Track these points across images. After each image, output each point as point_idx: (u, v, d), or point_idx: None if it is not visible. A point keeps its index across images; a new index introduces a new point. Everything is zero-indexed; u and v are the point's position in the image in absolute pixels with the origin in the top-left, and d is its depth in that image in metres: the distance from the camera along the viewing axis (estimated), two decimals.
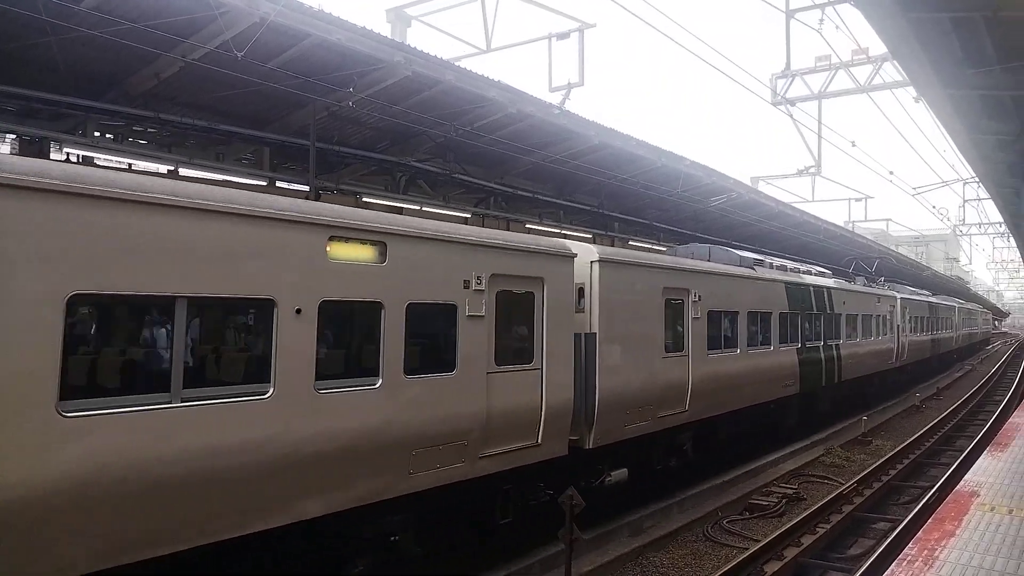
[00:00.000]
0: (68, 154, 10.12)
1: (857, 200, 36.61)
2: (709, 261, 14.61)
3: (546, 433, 8.72)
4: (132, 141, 11.16)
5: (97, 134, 10.42)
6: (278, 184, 12.48)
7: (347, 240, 6.55)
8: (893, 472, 14.89)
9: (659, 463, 11.72)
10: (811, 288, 18.02)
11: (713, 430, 13.26)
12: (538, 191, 17.39)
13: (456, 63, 12.30)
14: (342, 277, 6.46)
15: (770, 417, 16.01)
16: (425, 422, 7.15)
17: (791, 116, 17.33)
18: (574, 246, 9.87)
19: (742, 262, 15.25)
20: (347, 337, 6.87)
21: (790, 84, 16.79)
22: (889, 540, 10.00)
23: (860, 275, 26.90)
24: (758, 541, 10.15)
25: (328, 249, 6.36)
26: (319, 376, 6.22)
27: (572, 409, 9.20)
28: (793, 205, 26.62)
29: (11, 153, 9.66)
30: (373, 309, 6.77)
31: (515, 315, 8.60)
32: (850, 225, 38.69)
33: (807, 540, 10.37)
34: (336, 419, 6.33)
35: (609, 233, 20.32)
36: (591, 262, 9.93)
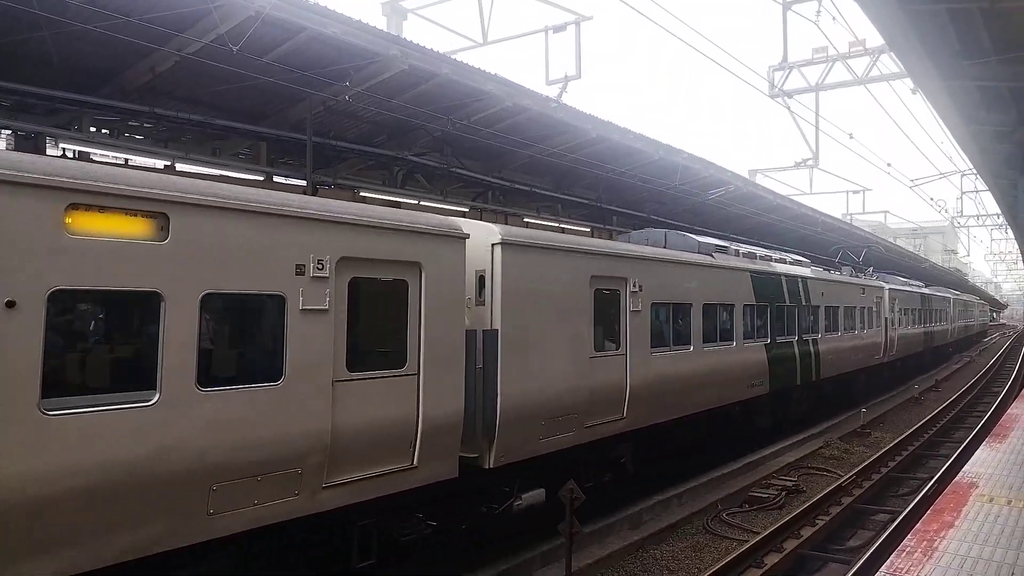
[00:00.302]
0: (64, 149, 10.08)
1: (855, 192, 36.56)
2: (666, 248, 13.13)
3: (425, 453, 7.13)
4: (128, 136, 11.12)
5: (93, 129, 10.37)
6: (275, 179, 12.45)
7: (100, 210, 5.00)
8: (892, 464, 14.93)
9: (590, 480, 10.04)
10: (783, 277, 16.55)
11: (663, 438, 11.78)
12: (536, 185, 17.36)
13: (452, 56, 12.25)
14: (90, 259, 4.91)
15: (735, 421, 14.49)
16: (232, 447, 5.58)
17: (788, 108, 17.29)
18: (469, 225, 8.42)
19: (700, 248, 13.72)
20: (103, 338, 5.23)
21: (787, 76, 16.76)
22: (888, 531, 10.03)
23: (847, 265, 26.11)
24: (758, 533, 10.17)
25: (67, 220, 4.81)
26: (52, 392, 4.68)
27: (463, 422, 7.61)
28: (791, 197, 26.60)
29: (7, 148, 9.62)
30: (147, 301, 5.22)
31: (379, 309, 7.03)
32: (848, 218, 38.65)
33: (807, 532, 10.39)
34: (79, 450, 4.77)
35: (607, 227, 20.30)
36: (492, 245, 8.33)
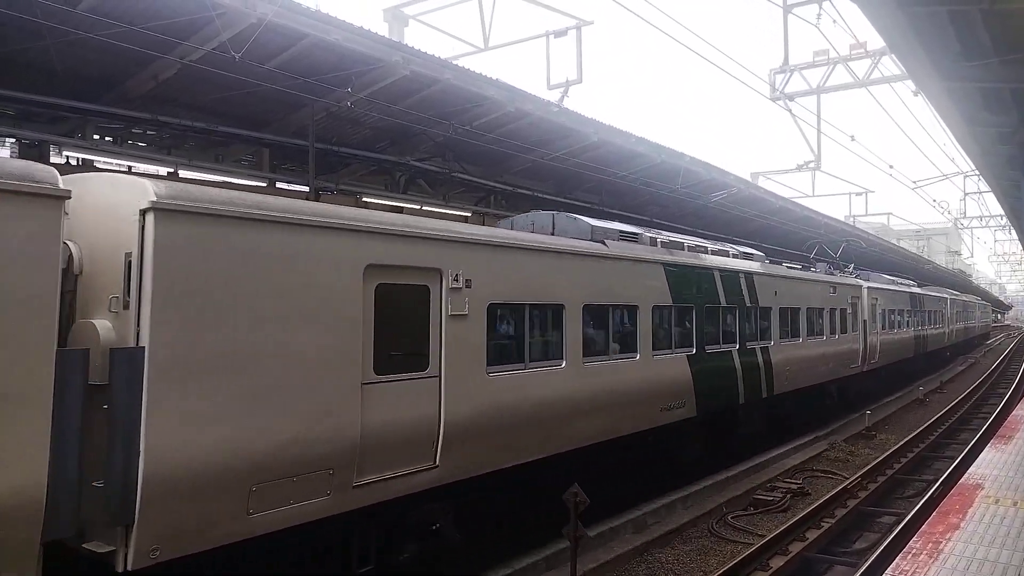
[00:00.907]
0: (68, 157, 10.13)
1: (858, 194, 36.53)
2: (554, 234, 10.59)
3: None
4: (131, 143, 11.16)
5: (96, 137, 10.42)
6: (278, 185, 12.49)
7: None
8: (897, 466, 14.89)
9: (373, 562, 7.14)
10: (716, 272, 13.35)
11: (514, 487, 8.70)
12: (538, 189, 17.38)
13: (454, 62, 12.29)
14: None
15: (641, 455, 11.30)
16: None
17: (790, 111, 17.31)
18: (91, 179, 5.90)
19: (594, 234, 10.71)
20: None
21: (788, 79, 16.76)
22: (894, 534, 10.00)
23: (824, 261, 23.90)
24: (763, 536, 10.15)
25: None
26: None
27: (46, 499, 4.74)
28: (793, 200, 26.59)
29: (11, 156, 9.66)
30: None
31: None
32: (851, 220, 38.65)
33: (812, 535, 10.37)
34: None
35: (489, 210, 20.14)
36: (141, 212, 5.35)
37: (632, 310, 10.88)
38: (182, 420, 5.43)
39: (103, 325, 5.41)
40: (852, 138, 19.76)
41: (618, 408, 10.35)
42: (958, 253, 76.59)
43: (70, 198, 5.01)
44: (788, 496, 12.47)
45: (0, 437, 4.56)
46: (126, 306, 5.38)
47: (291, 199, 6.75)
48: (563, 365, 9.34)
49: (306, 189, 12.13)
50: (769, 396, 15.27)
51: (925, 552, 6.77)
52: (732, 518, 11.43)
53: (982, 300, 67.29)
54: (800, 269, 21.39)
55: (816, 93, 17.09)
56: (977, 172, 20.66)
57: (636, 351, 10.83)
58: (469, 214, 15.59)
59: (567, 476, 8.25)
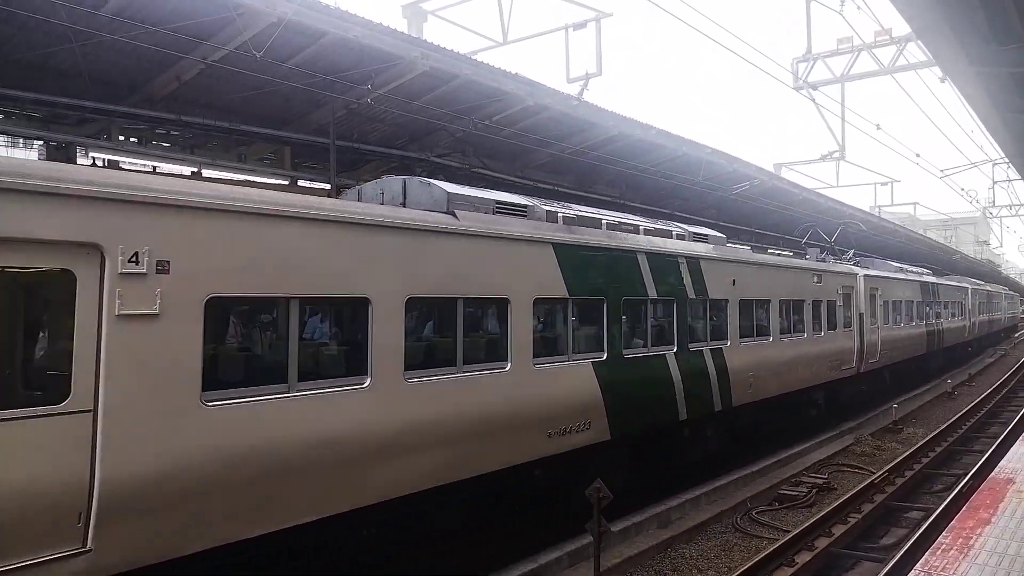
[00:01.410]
0: (94, 158, 10.28)
1: (883, 184, 36.04)
2: (405, 206, 8.30)
3: None
4: (156, 144, 11.30)
5: (121, 138, 10.56)
6: (300, 183, 12.57)
7: None
8: (925, 460, 14.68)
9: None
10: (644, 256, 10.64)
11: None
12: (558, 183, 17.33)
13: (473, 57, 12.27)
14: None
15: (524, 492, 8.90)
16: None
17: (813, 100, 17.10)
18: None
19: (450, 204, 8.15)
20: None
21: (811, 68, 16.56)
22: (923, 529, 9.86)
23: (817, 245, 22.02)
24: (788, 532, 10.07)
25: None
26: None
27: None
28: (817, 191, 26.28)
29: (39, 158, 9.83)
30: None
31: None
32: (876, 210, 38.12)
33: (838, 530, 10.26)
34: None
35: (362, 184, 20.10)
36: None
37: (501, 304, 8.41)
38: None
39: None
40: (877, 127, 19.48)
41: (473, 438, 7.80)
42: (986, 243, 75.18)
43: None
44: (813, 491, 12.35)
45: None
46: None
47: None
48: (367, 384, 6.75)
49: (327, 186, 12.20)
50: (727, 409, 12.57)
51: (955, 548, 6.67)
52: (756, 513, 11.35)
53: (1009, 291, 65.14)
54: (787, 256, 20.23)
55: (840, 81, 16.87)
56: (1007, 160, 20.26)
57: (506, 359, 8.33)
58: None
59: (380, 537, 7.01)
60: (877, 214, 36.29)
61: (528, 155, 15.88)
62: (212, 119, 10.85)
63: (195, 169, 11.10)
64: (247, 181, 11.50)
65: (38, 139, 9.83)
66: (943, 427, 17.67)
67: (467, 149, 14.58)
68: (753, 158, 21.70)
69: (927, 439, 16.25)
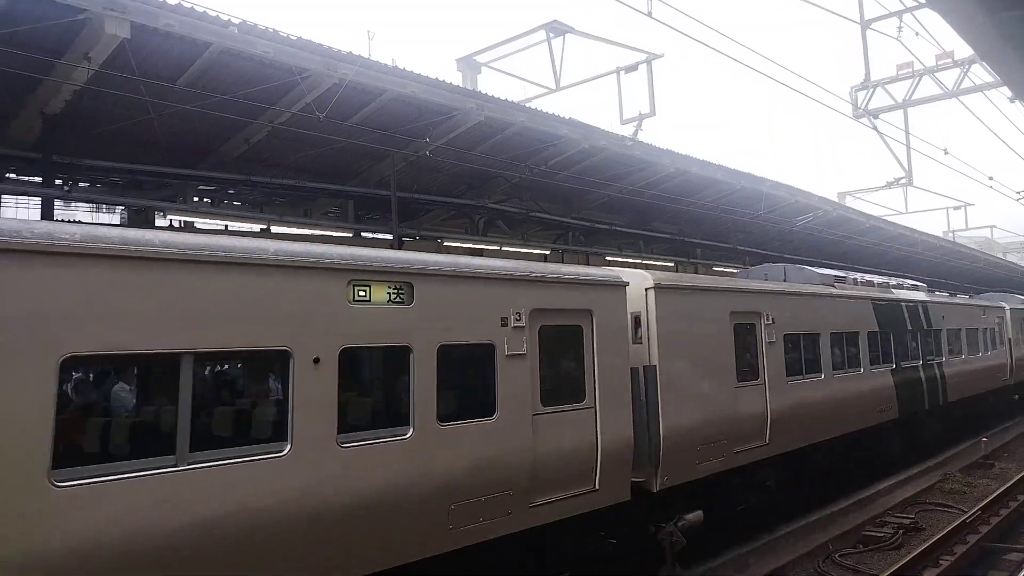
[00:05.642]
0: (171, 220, 10.83)
1: (955, 209, 34.76)
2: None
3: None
4: (227, 203, 11.83)
5: (196, 199, 11.10)
6: (363, 235, 12.93)
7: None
8: (1022, 497, 13.79)
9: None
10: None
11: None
12: (616, 223, 17.35)
13: (527, 104, 12.53)
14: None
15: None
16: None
17: (875, 128, 16.73)
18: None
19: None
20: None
21: (871, 95, 16.26)
22: None
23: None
24: None
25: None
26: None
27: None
28: (885, 219, 25.53)
29: (120, 223, 10.43)
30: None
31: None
32: (950, 235, 36.71)
33: (930, 574, 9.69)
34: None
35: (692, 260, 20.01)
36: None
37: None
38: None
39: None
40: (945, 151, 18.86)
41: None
42: None
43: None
44: (900, 532, 11.71)
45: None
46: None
47: None
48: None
49: (390, 237, 12.51)
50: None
51: None
52: (840, 556, 10.82)
53: None
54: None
55: (902, 107, 16.51)
56: None
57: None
58: (548, 252, 15.69)
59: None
60: (952, 239, 34.94)
61: (584, 196, 15.98)
62: (279, 178, 11.33)
63: (264, 226, 11.56)
64: (313, 236, 11.90)
65: (119, 204, 10.44)
66: None
67: (524, 194, 14.77)
68: (816, 188, 21.30)
69: (1023, 474, 15.29)
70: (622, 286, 8.64)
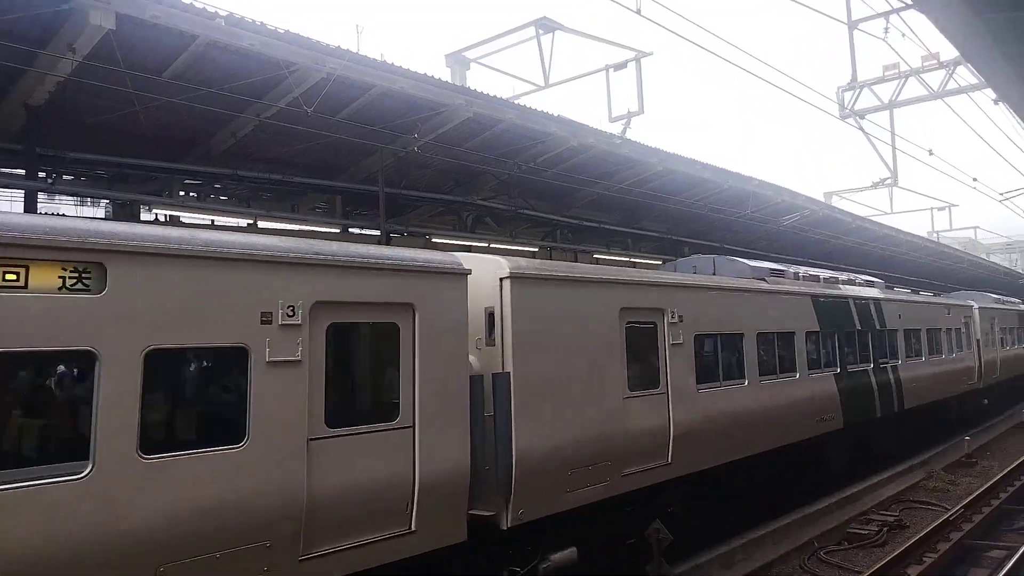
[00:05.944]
0: (156, 214, 10.72)
1: (940, 209, 35.08)
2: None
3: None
4: (213, 198, 11.73)
5: (182, 193, 11.00)
6: (351, 230, 12.86)
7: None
8: (1004, 495, 13.94)
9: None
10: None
11: None
12: (604, 221, 17.35)
13: (515, 101, 12.50)
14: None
15: None
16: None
17: (861, 129, 16.83)
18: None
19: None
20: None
21: (858, 96, 16.36)
22: (1006, 569, 9.34)
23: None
24: (859, 573, 9.64)
25: None
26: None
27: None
28: (871, 219, 25.72)
29: (105, 216, 10.31)
30: None
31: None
32: (934, 235, 37.05)
33: (913, 571, 9.78)
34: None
35: (679, 258, 20.08)
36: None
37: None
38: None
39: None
40: (930, 152, 19.01)
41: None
42: None
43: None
44: (884, 529, 11.83)
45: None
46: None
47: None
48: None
49: (377, 233, 12.45)
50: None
51: None
52: (825, 553, 10.90)
53: None
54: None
55: (888, 108, 16.62)
56: None
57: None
58: (536, 249, 15.67)
59: None
60: (936, 240, 35.25)
61: (573, 194, 15.98)
62: (266, 172, 11.23)
63: (251, 221, 11.47)
64: (300, 231, 11.82)
65: (104, 198, 10.32)
66: (1021, 460, 16.80)
67: (512, 191, 14.75)
68: (802, 188, 21.41)
69: (1004, 473, 15.46)
70: (461, 275, 7.04)
